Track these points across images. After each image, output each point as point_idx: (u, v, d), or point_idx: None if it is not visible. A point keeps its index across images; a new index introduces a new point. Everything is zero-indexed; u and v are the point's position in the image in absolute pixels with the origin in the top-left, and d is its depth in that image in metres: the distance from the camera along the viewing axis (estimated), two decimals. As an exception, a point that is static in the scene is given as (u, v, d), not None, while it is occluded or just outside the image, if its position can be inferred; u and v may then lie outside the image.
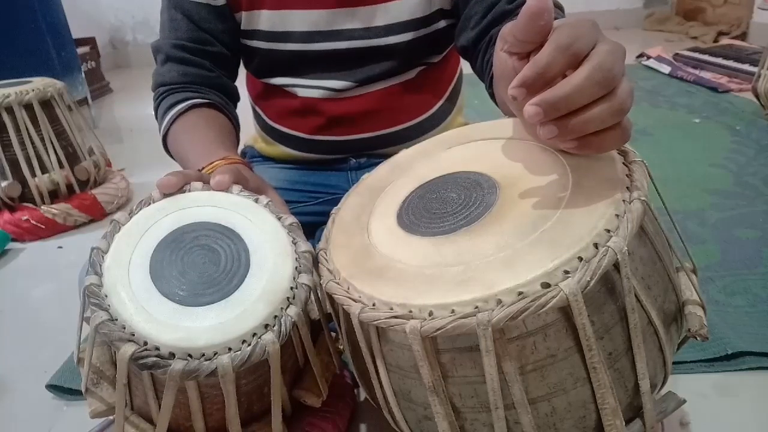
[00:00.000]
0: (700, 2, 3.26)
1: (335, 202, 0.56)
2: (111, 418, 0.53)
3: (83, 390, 0.50)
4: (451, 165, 0.51)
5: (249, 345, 0.42)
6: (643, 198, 0.39)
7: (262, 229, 0.49)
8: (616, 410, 0.40)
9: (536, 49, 0.37)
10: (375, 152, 0.84)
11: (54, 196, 1.32)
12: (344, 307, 0.43)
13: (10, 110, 1.23)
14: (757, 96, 1.66)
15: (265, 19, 0.75)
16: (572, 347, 0.38)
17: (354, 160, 0.85)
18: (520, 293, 0.36)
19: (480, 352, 0.37)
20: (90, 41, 2.85)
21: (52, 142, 1.29)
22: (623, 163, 0.43)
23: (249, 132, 0.94)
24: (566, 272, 0.36)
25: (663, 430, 0.58)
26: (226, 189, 0.52)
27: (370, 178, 0.57)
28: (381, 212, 0.50)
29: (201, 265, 0.46)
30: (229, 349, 0.42)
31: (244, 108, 0.92)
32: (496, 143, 0.50)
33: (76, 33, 2.32)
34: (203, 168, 0.59)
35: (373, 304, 0.41)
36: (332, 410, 0.58)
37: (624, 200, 0.39)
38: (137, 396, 0.49)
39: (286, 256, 0.47)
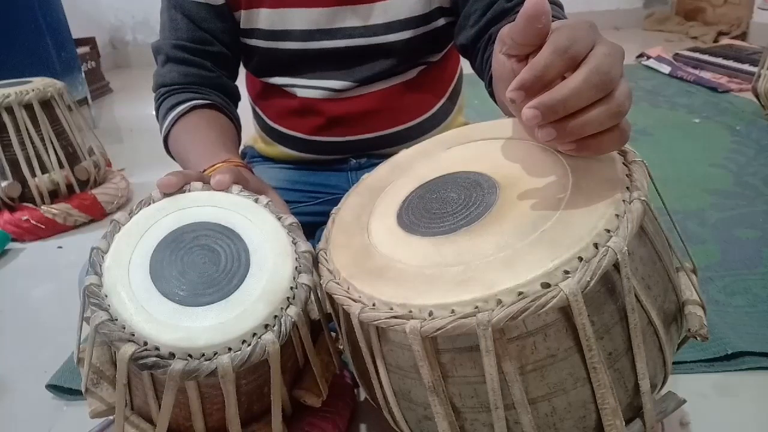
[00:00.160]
0: (700, 2, 3.26)
1: (335, 202, 0.56)
2: (111, 418, 0.53)
3: (83, 390, 0.50)
4: (451, 165, 0.51)
5: (249, 345, 0.42)
6: (643, 198, 0.39)
7: (262, 229, 0.49)
8: (616, 410, 0.40)
9: (534, 52, 0.37)
10: (375, 152, 0.84)
11: (54, 196, 1.32)
12: (344, 307, 0.43)
13: (10, 110, 1.23)
14: (757, 96, 1.66)
15: (265, 18, 0.75)
16: (572, 347, 0.38)
17: (354, 161, 0.85)
18: (520, 293, 0.36)
19: (480, 352, 0.37)
20: (90, 41, 2.85)
21: (52, 142, 1.29)
22: (623, 163, 0.43)
23: (249, 132, 0.94)
24: (566, 272, 0.36)
25: (663, 430, 0.58)
26: (226, 189, 0.52)
27: (370, 178, 0.57)
28: (381, 212, 0.50)
29: (201, 265, 0.46)
30: (229, 349, 0.42)
31: (244, 108, 0.92)
32: (496, 143, 0.50)
33: (76, 33, 2.32)
34: (204, 170, 0.59)
35: (373, 304, 0.41)
36: (332, 410, 0.58)
37: (624, 200, 0.39)
38: (137, 396, 0.49)
39: (286, 256, 0.47)
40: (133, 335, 0.42)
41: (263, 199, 0.52)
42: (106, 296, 0.43)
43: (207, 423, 0.48)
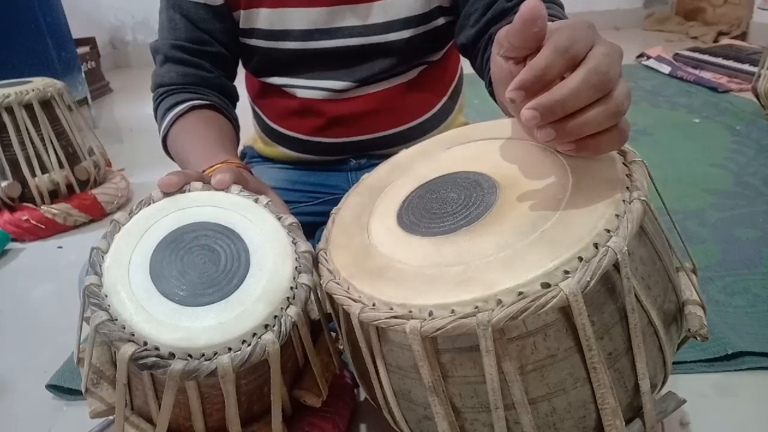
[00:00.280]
0: (700, 2, 3.26)
1: (335, 202, 0.56)
2: (111, 418, 0.53)
3: (83, 390, 0.50)
4: (451, 165, 0.51)
5: (249, 345, 0.42)
6: (643, 198, 0.39)
7: (262, 229, 0.49)
8: (616, 410, 0.40)
9: (532, 54, 0.38)
10: (375, 153, 0.84)
11: (54, 196, 1.32)
12: (344, 307, 0.43)
13: (10, 110, 1.23)
14: (757, 96, 1.66)
15: (264, 18, 0.75)
16: (572, 347, 0.38)
17: (354, 161, 0.85)
18: (520, 293, 0.36)
19: (480, 352, 0.37)
20: (90, 41, 2.85)
21: (52, 142, 1.29)
22: (623, 163, 0.43)
23: (249, 132, 0.94)
24: (566, 272, 0.36)
25: (663, 430, 0.58)
26: (226, 188, 0.52)
27: (370, 178, 0.57)
28: (381, 212, 0.50)
29: (201, 265, 0.46)
30: (229, 349, 0.42)
31: (244, 108, 0.92)
32: (496, 143, 0.50)
33: (76, 33, 2.32)
34: (204, 171, 0.59)
35: (373, 304, 0.41)
36: (332, 410, 0.58)
37: (624, 200, 0.39)
38: (137, 396, 0.49)
39: (286, 256, 0.47)
40: (133, 335, 0.42)
41: (263, 199, 0.52)
42: (106, 296, 0.43)
43: (207, 423, 0.48)
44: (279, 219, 0.51)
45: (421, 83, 0.82)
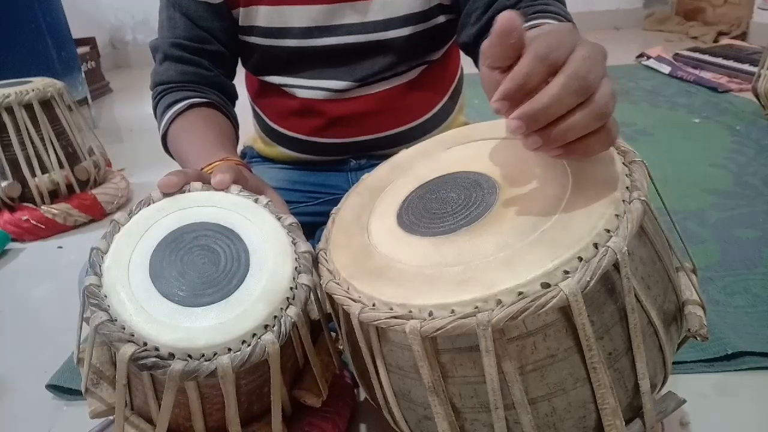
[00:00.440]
0: (700, 2, 3.26)
1: (335, 202, 0.56)
2: (111, 418, 0.53)
3: (83, 390, 0.50)
4: (451, 165, 0.51)
5: (249, 345, 0.42)
6: (642, 198, 0.39)
7: (262, 230, 0.49)
8: (616, 410, 0.40)
9: (516, 62, 0.38)
10: (376, 153, 0.84)
11: (54, 196, 1.32)
12: (344, 307, 0.43)
13: (10, 110, 1.22)
14: (757, 96, 1.66)
15: (263, 15, 0.75)
16: (572, 347, 0.38)
17: (354, 161, 0.85)
18: (520, 293, 0.36)
19: (480, 352, 0.37)
20: (90, 41, 2.85)
21: (52, 142, 1.29)
22: (623, 163, 0.43)
23: (248, 132, 0.94)
24: (566, 272, 0.36)
25: (663, 430, 0.58)
26: (226, 188, 0.52)
27: (370, 178, 0.57)
28: (381, 212, 0.50)
29: (201, 265, 0.46)
30: (229, 349, 0.42)
31: (244, 107, 0.92)
32: (496, 143, 0.50)
33: (76, 33, 2.32)
34: (203, 169, 0.59)
35: (373, 305, 0.41)
36: (332, 410, 0.58)
37: (624, 200, 0.39)
38: (137, 396, 0.49)
39: (286, 257, 0.47)
40: (133, 335, 0.42)
41: (263, 199, 0.52)
42: (106, 296, 0.43)
43: (207, 423, 0.48)
44: (279, 219, 0.51)
45: (421, 83, 0.82)
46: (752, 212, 1.09)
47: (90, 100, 2.27)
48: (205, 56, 0.75)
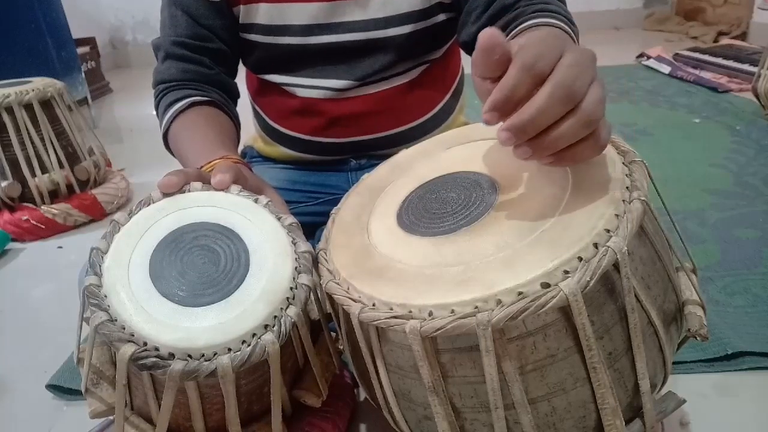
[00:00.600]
0: (700, 2, 3.26)
1: (335, 202, 0.56)
2: (111, 418, 0.53)
3: (83, 390, 0.50)
4: (451, 165, 0.51)
5: (249, 345, 0.42)
6: (642, 198, 0.39)
7: (262, 229, 0.49)
8: (616, 410, 0.40)
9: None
10: (376, 153, 0.84)
11: (54, 196, 1.32)
12: (344, 307, 0.43)
13: (10, 110, 1.22)
14: (757, 96, 1.66)
15: (264, 13, 0.75)
16: (572, 347, 0.38)
17: (354, 161, 0.85)
18: (520, 293, 0.36)
19: (480, 352, 0.37)
20: (90, 41, 2.85)
21: (52, 142, 1.29)
22: (623, 163, 0.43)
23: (249, 131, 0.94)
24: (566, 272, 0.36)
25: (663, 430, 0.58)
26: (226, 188, 0.52)
27: (370, 178, 0.57)
28: (381, 212, 0.50)
29: (201, 265, 0.46)
30: (229, 349, 0.42)
31: (244, 107, 0.92)
32: (496, 143, 0.50)
33: (76, 33, 2.32)
34: (202, 167, 0.59)
35: (373, 304, 0.41)
36: (332, 410, 0.58)
37: (624, 200, 0.39)
38: (137, 396, 0.49)
39: (286, 257, 0.47)
40: (133, 335, 0.42)
41: (263, 199, 0.52)
42: (106, 296, 0.43)
43: (207, 423, 0.48)
44: (279, 219, 0.51)
45: (422, 83, 0.82)
46: (752, 212, 1.09)
47: (90, 100, 2.27)
48: (207, 54, 0.75)
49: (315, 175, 0.86)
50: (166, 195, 0.51)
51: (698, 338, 0.45)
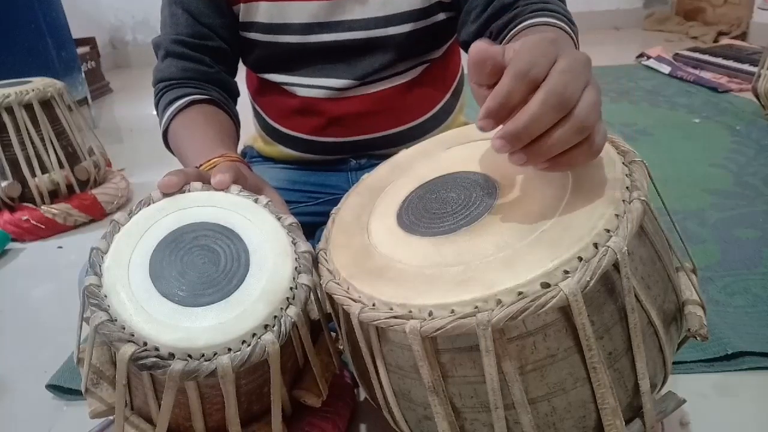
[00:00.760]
0: (700, 2, 3.26)
1: (335, 202, 0.56)
2: (111, 418, 0.53)
3: (83, 390, 0.50)
4: (451, 165, 0.51)
5: (249, 345, 0.42)
6: (642, 198, 0.39)
7: (262, 229, 0.49)
8: (616, 410, 0.40)
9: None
10: (376, 153, 0.84)
11: (54, 196, 1.32)
12: (344, 307, 0.43)
13: (10, 110, 1.22)
14: (757, 96, 1.66)
15: (264, 11, 0.75)
16: (572, 347, 0.38)
17: (354, 161, 0.85)
18: (520, 293, 0.36)
19: (480, 352, 0.37)
20: (90, 41, 2.85)
21: (52, 142, 1.29)
22: (623, 163, 0.43)
23: (249, 131, 0.94)
24: (566, 272, 0.36)
25: (663, 430, 0.58)
26: (226, 188, 0.52)
27: (370, 178, 0.57)
28: (381, 212, 0.50)
29: (201, 265, 0.46)
30: (229, 349, 0.42)
31: (244, 107, 0.92)
32: (495, 143, 0.50)
33: (76, 33, 2.32)
34: (201, 165, 0.59)
35: (373, 304, 0.41)
36: (332, 410, 0.58)
37: (624, 200, 0.39)
38: (137, 396, 0.49)
39: (286, 257, 0.47)
40: (133, 335, 0.42)
41: (263, 199, 0.52)
42: (106, 296, 0.43)
43: (207, 423, 0.48)
44: (279, 219, 0.51)
45: (422, 82, 0.82)
46: (752, 212, 1.09)
47: (90, 100, 2.27)
48: (207, 53, 0.75)
49: (315, 175, 0.86)
50: (166, 195, 0.51)
51: (698, 338, 0.45)
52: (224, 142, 0.67)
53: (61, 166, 1.31)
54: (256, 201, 0.52)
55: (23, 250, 1.24)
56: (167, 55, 0.75)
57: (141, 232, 0.48)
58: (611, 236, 0.37)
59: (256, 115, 0.91)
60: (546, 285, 0.36)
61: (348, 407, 0.62)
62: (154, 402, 0.47)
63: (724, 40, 2.75)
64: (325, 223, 0.54)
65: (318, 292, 0.51)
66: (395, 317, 0.39)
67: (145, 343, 0.41)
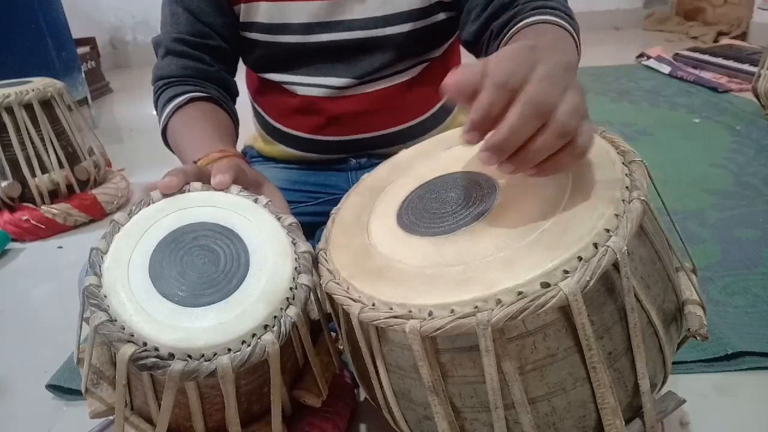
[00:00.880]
0: (700, 2, 3.26)
1: (335, 202, 0.56)
2: (111, 418, 0.53)
3: (83, 390, 0.50)
4: (451, 165, 0.51)
5: (248, 346, 0.42)
6: (642, 198, 0.39)
7: (262, 230, 0.49)
8: (616, 410, 0.40)
9: None
10: (375, 152, 0.84)
11: (54, 196, 1.32)
12: (344, 307, 0.43)
13: (10, 110, 1.22)
14: (757, 96, 1.65)
15: (264, 11, 0.75)
16: (572, 347, 0.38)
17: (354, 161, 0.85)
18: (520, 293, 0.36)
19: (479, 351, 0.37)
20: (90, 41, 2.85)
21: (52, 142, 1.29)
22: (623, 163, 0.43)
23: (249, 131, 0.94)
24: (566, 272, 0.36)
25: (663, 429, 0.58)
26: (226, 188, 0.52)
27: (370, 178, 0.57)
28: (381, 212, 0.50)
29: (200, 265, 0.46)
30: (229, 349, 0.42)
31: (245, 107, 0.92)
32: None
33: (76, 33, 2.32)
34: (199, 160, 0.59)
35: (373, 304, 0.41)
36: (332, 410, 0.58)
37: (623, 200, 0.39)
38: (137, 396, 0.49)
39: (286, 257, 0.47)
40: (133, 336, 0.42)
41: (263, 199, 0.52)
42: (106, 297, 0.43)
43: (207, 423, 0.48)
44: (279, 219, 0.51)
45: (422, 81, 0.82)
46: (752, 212, 1.09)
47: (90, 100, 2.27)
48: (207, 51, 0.75)
49: (315, 175, 0.87)
50: (165, 195, 0.51)
51: (698, 338, 0.45)
52: (223, 138, 0.67)
53: (61, 166, 1.31)
54: (255, 201, 0.52)
55: (23, 250, 1.24)
56: (167, 53, 0.75)
57: (141, 232, 0.48)
58: (611, 236, 0.37)
59: (257, 114, 0.91)
60: (546, 285, 0.36)
61: (348, 407, 0.62)
62: (154, 402, 0.47)
63: (724, 40, 2.75)
64: (325, 223, 0.54)
65: (318, 292, 0.51)
66: (395, 317, 0.39)
67: (145, 344, 0.41)
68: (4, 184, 1.25)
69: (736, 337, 0.71)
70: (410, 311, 0.39)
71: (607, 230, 0.37)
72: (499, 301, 0.36)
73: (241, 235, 0.48)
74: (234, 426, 0.46)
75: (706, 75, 2.14)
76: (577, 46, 0.60)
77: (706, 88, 2.01)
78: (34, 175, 1.28)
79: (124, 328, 0.42)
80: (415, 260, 0.43)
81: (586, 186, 0.41)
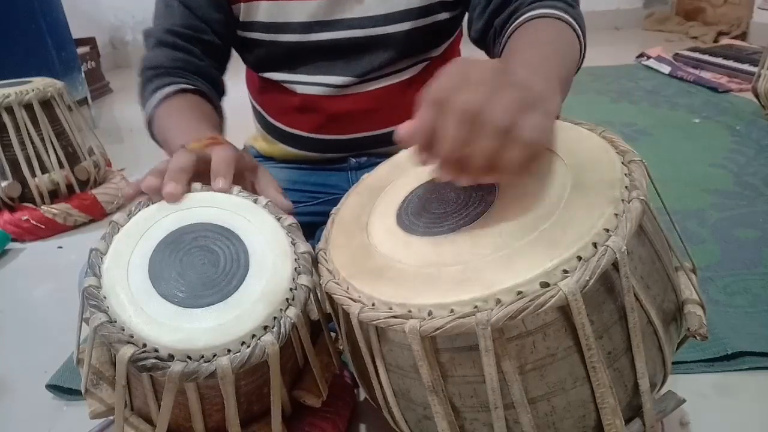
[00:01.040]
0: (700, 2, 3.26)
1: (335, 202, 0.56)
2: (111, 418, 0.53)
3: (83, 390, 0.50)
4: (451, 165, 0.51)
5: (248, 346, 0.42)
6: (642, 197, 0.39)
7: (261, 230, 0.49)
8: (616, 409, 0.40)
9: None
10: (375, 152, 0.84)
11: (54, 196, 1.32)
12: (344, 307, 0.43)
13: (10, 110, 1.23)
14: (757, 96, 1.65)
15: (264, 11, 0.75)
16: (571, 346, 0.38)
17: (354, 160, 0.85)
18: (519, 293, 0.36)
19: (479, 351, 0.37)
20: (90, 41, 2.85)
21: (52, 142, 1.29)
22: (622, 163, 0.43)
23: (249, 131, 0.94)
24: (565, 272, 0.36)
25: (663, 429, 0.58)
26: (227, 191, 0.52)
27: (370, 178, 0.57)
28: (380, 212, 0.50)
29: (200, 266, 0.46)
30: (229, 350, 0.42)
31: (245, 106, 0.92)
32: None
33: (76, 33, 2.32)
34: (192, 145, 0.57)
35: (373, 304, 0.41)
36: (332, 410, 0.58)
37: (623, 200, 0.39)
38: (137, 397, 0.49)
39: (286, 257, 0.47)
40: (132, 337, 0.42)
41: (262, 199, 0.52)
42: (105, 297, 0.43)
43: (207, 424, 0.48)
44: (278, 220, 0.51)
45: (422, 81, 0.81)
46: (752, 212, 1.09)
47: (90, 100, 2.27)
48: (198, 45, 0.75)
49: (315, 174, 0.87)
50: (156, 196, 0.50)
51: (698, 338, 0.45)
52: (210, 130, 0.66)
53: (61, 166, 1.31)
54: (255, 201, 0.52)
55: (23, 250, 1.24)
56: (158, 44, 0.75)
57: (140, 232, 0.48)
58: (610, 236, 0.37)
59: (257, 113, 0.91)
60: (545, 284, 0.36)
61: (348, 407, 0.62)
62: (154, 403, 0.47)
63: (724, 40, 2.75)
64: (325, 223, 0.54)
65: (318, 292, 0.51)
66: (395, 317, 0.39)
67: (145, 345, 0.41)
68: (4, 184, 1.25)
69: (736, 337, 0.71)
70: (410, 311, 0.39)
71: (607, 230, 0.37)
72: (498, 301, 0.36)
73: (240, 235, 0.48)
74: (234, 426, 0.46)
75: (706, 75, 2.14)
76: (579, 37, 0.60)
77: (706, 88, 2.01)
78: (34, 175, 1.28)
79: (123, 329, 0.42)
80: (415, 260, 0.43)
81: (585, 186, 0.41)
